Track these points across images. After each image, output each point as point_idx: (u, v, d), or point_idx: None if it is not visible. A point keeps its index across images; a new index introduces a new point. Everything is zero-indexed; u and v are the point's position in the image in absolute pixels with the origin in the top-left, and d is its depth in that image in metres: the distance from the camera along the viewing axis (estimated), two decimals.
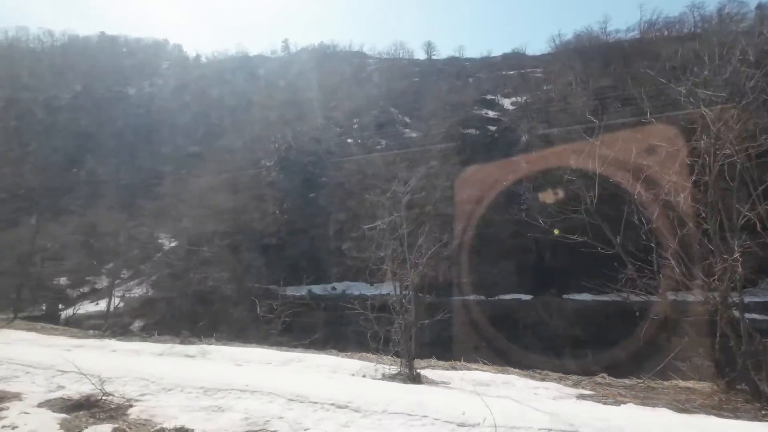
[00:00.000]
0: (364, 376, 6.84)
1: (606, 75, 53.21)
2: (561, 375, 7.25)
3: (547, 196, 28.99)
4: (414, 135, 53.51)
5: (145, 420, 4.56)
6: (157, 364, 7.08)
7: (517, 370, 7.67)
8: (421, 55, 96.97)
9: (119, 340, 10.59)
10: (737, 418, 4.63)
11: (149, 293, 36.05)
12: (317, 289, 34.55)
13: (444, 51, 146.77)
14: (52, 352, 7.85)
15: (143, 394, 5.30)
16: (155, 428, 4.37)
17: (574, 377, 7.17)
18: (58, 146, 62.32)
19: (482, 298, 31.33)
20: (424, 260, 7.13)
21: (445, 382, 6.46)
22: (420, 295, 8.55)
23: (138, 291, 36.11)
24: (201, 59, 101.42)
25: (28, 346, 8.73)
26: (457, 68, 77.07)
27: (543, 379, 6.99)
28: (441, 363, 8.05)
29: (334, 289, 35.80)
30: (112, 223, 28.87)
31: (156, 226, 42.26)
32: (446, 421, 4.22)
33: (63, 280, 36.36)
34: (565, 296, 32.60)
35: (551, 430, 4.01)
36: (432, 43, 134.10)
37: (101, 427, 4.37)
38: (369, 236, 8.00)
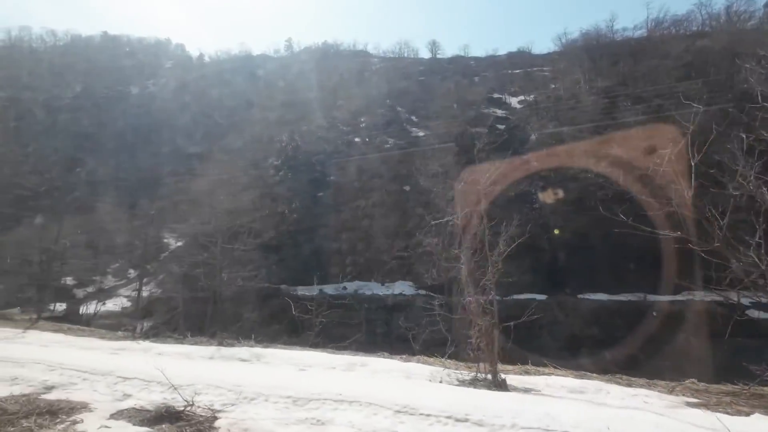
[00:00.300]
0: (440, 381, 6.37)
1: (614, 73, 52.95)
2: (647, 380, 6.81)
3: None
4: (421, 134, 53.09)
5: None
6: (219, 369, 6.58)
7: (595, 374, 7.26)
8: (425, 53, 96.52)
9: (154, 341, 10.08)
10: None
11: (157, 293, 35.54)
12: (328, 288, 34.06)
13: (449, 50, 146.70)
14: (98, 356, 7.35)
15: (225, 404, 4.82)
16: None
17: (662, 383, 6.72)
18: (59, 146, 61.52)
19: (498, 298, 30.93)
20: (501, 258, 6.69)
21: (533, 389, 5.99)
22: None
23: (145, 291, 35.53)
24: (203, 59, 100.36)
25: (68, 349, 8.20)
26: (463, 67, 76.72)
27: (629, 385, 6.55)
28: (510, 367, 7.60)
29: (345, 288, 35.29)
30: (116, 223, 28.34)
31: (161, 225, 41.65)
32: None
33: (69, 280, 35.81)
34: (580, 296, 32.30)
35: None
36: (437, 41, 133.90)
37: None
38: (431, 233, 7.53)
